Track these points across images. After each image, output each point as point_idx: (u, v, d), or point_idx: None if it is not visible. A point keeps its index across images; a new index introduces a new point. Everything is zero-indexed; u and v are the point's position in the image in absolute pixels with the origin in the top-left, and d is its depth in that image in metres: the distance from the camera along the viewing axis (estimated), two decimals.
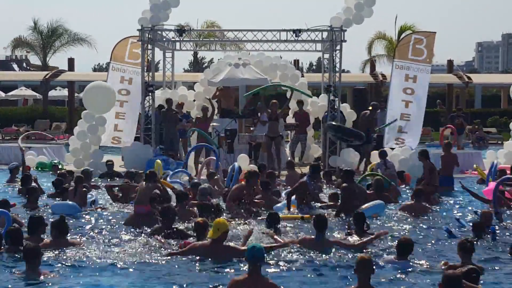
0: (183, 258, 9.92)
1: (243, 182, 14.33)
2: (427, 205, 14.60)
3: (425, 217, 13.84)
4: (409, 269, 9.38)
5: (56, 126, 38.97)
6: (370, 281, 7.81)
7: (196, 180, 16.35)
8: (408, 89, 22.42)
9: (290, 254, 10.29)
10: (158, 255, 10.18)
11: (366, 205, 13.65)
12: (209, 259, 9.79)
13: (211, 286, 8.76)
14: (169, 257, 10.01)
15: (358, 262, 7.86)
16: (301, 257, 10.15)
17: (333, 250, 10.49)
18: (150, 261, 9.90)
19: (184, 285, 8.80)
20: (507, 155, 22.72)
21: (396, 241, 9.92)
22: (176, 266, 9.66)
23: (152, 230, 11.48)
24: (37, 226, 10.70)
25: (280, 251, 10.41)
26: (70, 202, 14.35)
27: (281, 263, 9.83)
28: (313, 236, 10.83)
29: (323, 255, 10.17)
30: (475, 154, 24.30)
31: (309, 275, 9.34)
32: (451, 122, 28.51)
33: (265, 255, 8.35)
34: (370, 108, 22.89)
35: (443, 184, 17.34)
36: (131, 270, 9.46)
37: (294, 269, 9.61)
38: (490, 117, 42.22)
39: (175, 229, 11.31)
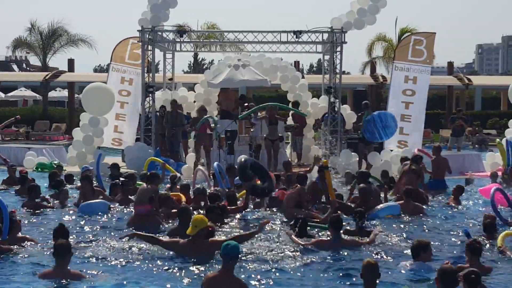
0: (175, 258, 9.95)
1: (298, 185, 13.88)
2: (418, 204, 14.61)
3: (421, 217, 13.88)
4: (426, 271, 9.26)
5: (56, 127, 38.96)
6: (377, 283, 7.80)
7: (185, 182, 16.32)
8: (408, 90, 22.40)
9: (304, 255, 10.29)
10: (152, 255, 10.21)
11: (381, 205, 13.72)
12: (190, 256, 9.79)
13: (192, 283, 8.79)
14: (162, 255, 10.07)
15: (364, 267, 7.83)
16: (315, 258, 10.16)
17: (349, 250, 10.51)
18: (147, 261, 9.92)
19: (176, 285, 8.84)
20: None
21: (411, 244, 9.74)
22: (160, 265, 9.68)
23: (170, 231, 11.46)
24: (11, 226, 10.63)
25: (294, 253, 10.41)
26: (101, 201, 14.44)
27: (291, 263, 9.87)
28: (328, 238, 10.85)
29: (340, 256, 10.17)
30: (475, 156, 24.30)
31: (319, 275, 9.35)
32: (451, 124, 28.52)
33: (240, 254, 8.42)
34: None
35: (434, 187, 17.33)
36: (126, 270, 9.48)
37: (304, 269, 9.62)
38: (490, 119, 42.22)
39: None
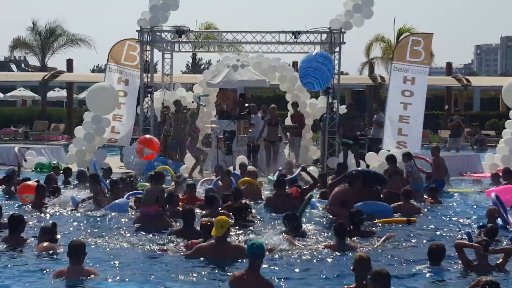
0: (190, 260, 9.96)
1: (346, 185, 13.65)
2: (416, 205, 14.64)
3: (419, 218, 13.87)
4: (445, 276, 9.26)
5: (54, 127, 38.98)
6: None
7: (191, 181, 16.32)
8: (406, 91, 22.36)
9: (309, 258, 10.31)
10: (165, 256, 10.25)
11: (365, 202, 13.67)
12: (216, 258, 9.79)
13: (219, 284, 8.82)
14: (176, 257, 10.11)
15: (356, 261, 7.92)
16: (320, 261, 10.15)
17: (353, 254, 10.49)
18: (158, 262, 9.93)
19: (192, 285, 8.86)
20: (504, 159, 22.66)
21: (428, 247, 9.68)
22: (184, 266, 9.69)
23: (171, 231, 11.46)
24: (18, 224, 10.71)
25: (296, 252, 10.49)
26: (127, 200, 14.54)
27: (295, 264, 9.93)
28: (332, 243, 10.84)
29: (345, 260, 10.14)
30: (474, 156, 24.30)
31: (323, 278, 9.36)
32: (449, 123, 28.63)
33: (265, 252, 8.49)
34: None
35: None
36: (137, 271, 9.47)
37: (308, 270, 9.65)
38: (488, 120, 42.22)
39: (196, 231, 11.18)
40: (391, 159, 16.86)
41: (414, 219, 13.32)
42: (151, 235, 11.60)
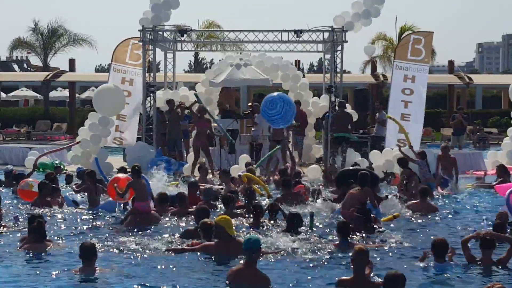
0: (197, 257, 9.98)
1: (359, 187, 13.49)
2: (432, 203, 14.67)
3: (434, 217, 13.91)
4: (450, 271, 9.26)
5: (57, 127, 39.02)
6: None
7: (193, 179, 16.30)
8: (407, 89, 22.40)
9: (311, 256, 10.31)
10: (166, 253, 10.26)
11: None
12: (225, 256, 9.82)
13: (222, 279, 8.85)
14: (181, 255, 10.13)
15: (356, 253, 8.04)
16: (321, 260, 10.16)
17: None
18: (161, 259, 9.93)
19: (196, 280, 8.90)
20: (509, 155, 22.69)
21: (431, 243, 9.65)
22: (187, 264, 9.71)
23: (185, 232, 11.41)
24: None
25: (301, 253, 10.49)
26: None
27: (288, 258, 10.00)
28: (337, 242, 10.85)
29: (346, 258, 10.08)
30: (476, 154, 24.31)
31: (324, 276, 9.34)
32: (452, 120, 28.67)
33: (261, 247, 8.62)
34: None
35: (442, 185, 17.43)
36: (141, 269, 9.50)
37: (302, 264, 9.69)
38: (491, 118, 42.22)
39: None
40: (402, 162, 17.01)
41: (397, 214, 13.43)
42: (148, 232, 11.68)
